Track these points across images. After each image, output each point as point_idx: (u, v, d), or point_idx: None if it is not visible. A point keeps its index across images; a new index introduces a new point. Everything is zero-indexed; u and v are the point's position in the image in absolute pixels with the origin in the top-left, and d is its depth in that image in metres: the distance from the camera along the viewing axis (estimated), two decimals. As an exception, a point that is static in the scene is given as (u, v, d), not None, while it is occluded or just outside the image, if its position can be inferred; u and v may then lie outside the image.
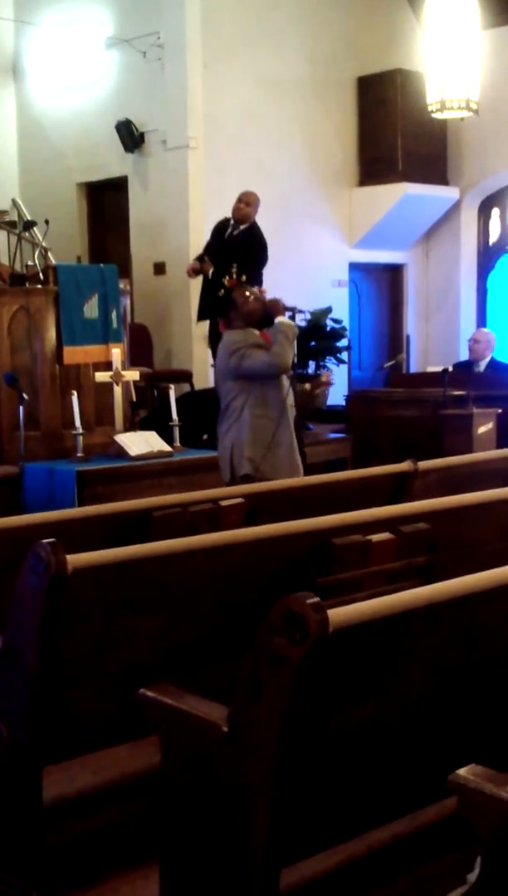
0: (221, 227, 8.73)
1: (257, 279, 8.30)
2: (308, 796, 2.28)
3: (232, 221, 8.63)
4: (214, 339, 8.47)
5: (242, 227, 8.59)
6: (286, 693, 2.10)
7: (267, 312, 5.51)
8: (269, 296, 5.87)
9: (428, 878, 2.46)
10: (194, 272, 8.79)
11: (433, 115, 8.26)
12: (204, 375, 9.43)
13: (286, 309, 5.61)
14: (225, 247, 8.56)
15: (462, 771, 1.82)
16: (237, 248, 8.50)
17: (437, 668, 2.49)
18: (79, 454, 6.68)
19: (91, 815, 2.87)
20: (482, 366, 9.08)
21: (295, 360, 5.59)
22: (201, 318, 8.90)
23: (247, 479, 5.34)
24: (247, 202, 8.59)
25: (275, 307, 5.48)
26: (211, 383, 8.50)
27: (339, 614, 2.12)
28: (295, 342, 5.56)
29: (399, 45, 11.04)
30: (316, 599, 2.09)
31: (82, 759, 2.93)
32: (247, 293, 5.61)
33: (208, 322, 8.81)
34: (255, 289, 6.69)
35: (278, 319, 5.41)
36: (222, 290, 8.15)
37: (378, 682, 2.36)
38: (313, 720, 2.21)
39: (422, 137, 10.93)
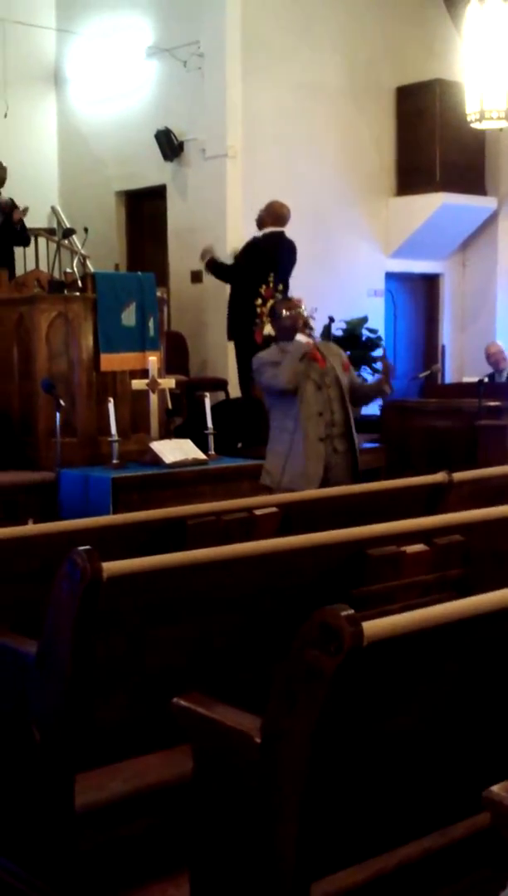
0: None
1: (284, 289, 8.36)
2: (340, 809, 2.27)
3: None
4: (241, 357, 8.53)
5: (257, 235, 8.71)
6: (320, 705, 2.09)
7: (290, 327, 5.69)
8: (306, 304, 5.91)
9: (460, 894, 2.44)
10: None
11: (472, 126, 8.24)
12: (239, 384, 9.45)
13: (307, 326, 5.70)
14: (244, 255, 8.67)
15: (496, 787, 1.81)
16: (249, 256, 8.61)
17: (471, 682, 2.47)
18: (114, 461, 6.71)
19: (121, 823, 2.87)
20: (504, 375, 9.11)
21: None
22: (230, 337, 8.98)
23: (268, 490, 5.45)
24: (264, 208, 8.71)
25: (295, 323, 5.65)
26: (246, 392, 8.56)
27: (374, 627, 2.11)
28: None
29: (439, 54, 11.02)
30: (351, 612, 2.09)
31: (113, 766, 2.93)
32: (287, 310, 5.75)
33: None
34: (294, 298, 6.71)
35: (296, 337, 5.60)
36: (260, 300, 8.18)
37: (412, 695, 2.35)
38: (346, 732, 2.20)
39: (460, 147, 10.90)
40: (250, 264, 8.53)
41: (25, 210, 9.27)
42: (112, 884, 2.78)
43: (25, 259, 9.95)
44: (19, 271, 9.42)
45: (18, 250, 9.78)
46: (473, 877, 2.43)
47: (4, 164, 9.60)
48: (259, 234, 8.74)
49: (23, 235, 9.48)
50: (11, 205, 9.27)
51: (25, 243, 9.75)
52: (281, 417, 5.60)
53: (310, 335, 5.71)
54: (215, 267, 8.94)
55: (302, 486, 5.27)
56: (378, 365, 9.72)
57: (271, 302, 6.56)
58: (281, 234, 8.69)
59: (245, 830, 2.23)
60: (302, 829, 2.15)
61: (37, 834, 2.81)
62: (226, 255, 9.30)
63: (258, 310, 8.12)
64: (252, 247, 8.70)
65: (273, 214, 8.70)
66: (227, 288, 9.20)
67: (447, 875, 2.48)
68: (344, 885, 2.30)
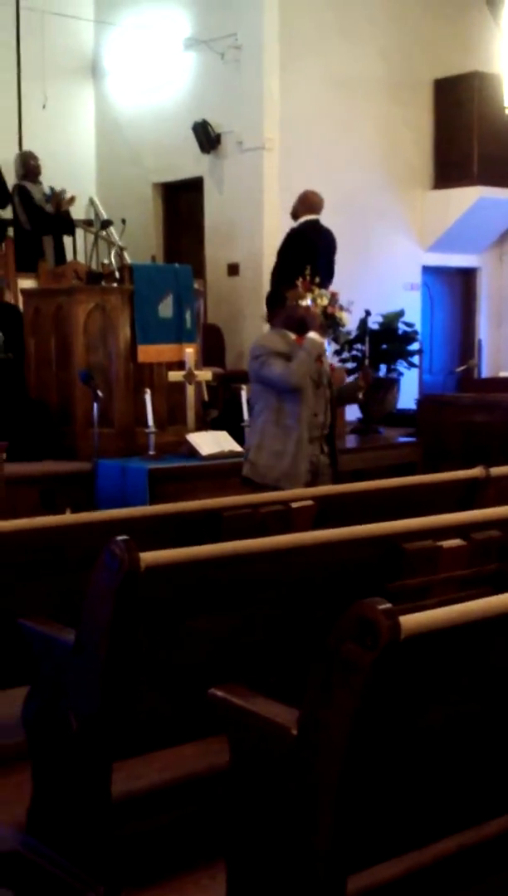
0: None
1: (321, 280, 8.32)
2: (376, 802, 2.27)
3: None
4: None
5: (293, 225, 8.66)
6: (356, 698, 2.09)
7: (305, 323, 5.46)
8: (342, 298, 5.84)
9: (496, 889, 2.44)
10: None
11: (511, 118, 8.18)
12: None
13: (334, 321, 5.57)
14: (283, 247, 8.63)
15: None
16: (286, 245, 8.55)
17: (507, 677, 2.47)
18: (151, 452, 6.74)
19: (156, 813, 2.90)
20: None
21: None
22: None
23: (247, 482, 5.32)
24: (298, 198, 8.66)
25: (312, 320, 5.42)
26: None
27: (411, 621, 2.11)
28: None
29: (477, 47, 10.95)
30: (388, 605, 2.09)
31: (149, 756, 2.95)
32: (298, 300, 5.57)
33: None
34: (325, 291, 6.65)
35: (311, 335, 5.34)
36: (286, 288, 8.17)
37: (449, 690, 2.35)
38: (382, 726, 2.21)
39: (498, 141, 10.82)
40: (287, 251, 8.49)
41: (72, 199, 9.33)
42: (147, 872, 2.80)
43: (64, 250, 10.00)
44: (60, 263, 9.47)
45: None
46: (506, 874, 2.43)
47: (38, 155, 9.64)
48: (295, 224, 8.72)
49: (69, 223, 9.54)
50: (61, 195, 9.33)
51: (71, 231, 9.80)
52: (276, 414, 5.33)
53: (331, 339, 5.56)
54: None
55: (290, 486, 5.13)
56: (414, 359, 9.69)
57: (308, 295, 6.46)
58: (316, 221, 8.65)
59: (281, 822, 2.24)
60: (338, 822, 2.16)
61: (74, 821, 2.84)
62: (262, 247, 9.28)
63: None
64: (292, 237, 8.66)
65: (306, 203, 8.68)
66: (263, 280, 9.20)
67: (483, 870, 2.48)
68: (380, 879, 2.31)
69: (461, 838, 2.50)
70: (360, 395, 5.83)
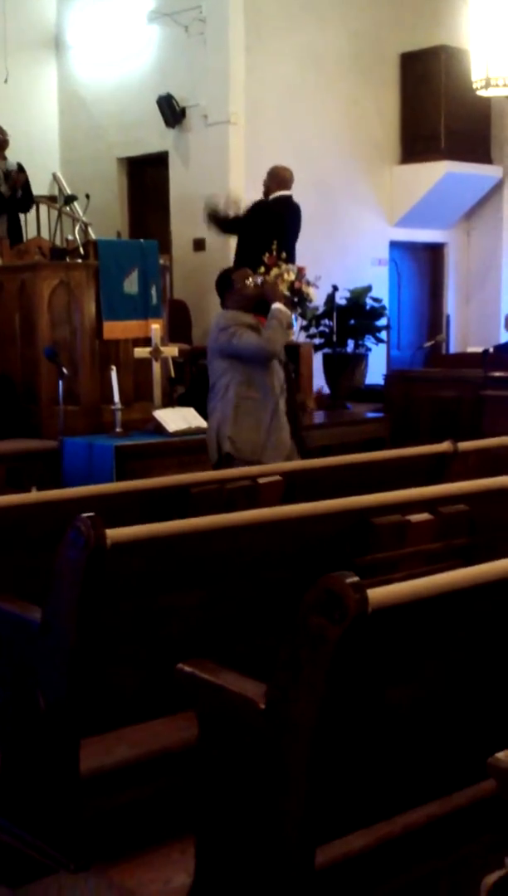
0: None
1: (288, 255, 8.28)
2: (344, 775, 2.28)
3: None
4: None
5: (263, 199, 8.61)
6: (324, 672, 2.09)
7: (264, 298, 5.42)
8: (310, 274, 5.81)
9: (465, 859, 2.45)
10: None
11: (478, 93, 8.16)
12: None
13: (301, 296, 5.54)
14: (249, 219, 8.58)
15: (501, 754, 1.81)
16: (256, 220, 8.50)
17: (476, 650, 2.48)
18: (117, 429, 6.71)
19: (127, 788, 2.89)
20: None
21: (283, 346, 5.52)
22: None
23: (228, 458, 5.30)
24: (267, 174, 8.61)
25: (274, 292, 5.40)
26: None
27: (378, 594, 2.11)
28: (291, 330, 5.52)
29: (444, 21, 10.90)
30: (356, 579, 2.08)
31: (119, 732, 2.94)
32: (246, 279, 5.52)
33: None
34: (292, 266, 6.63)
35: (276, 305, 5.33)
36: (262, 267, 8.12)
37: (417, 663, 2.35)
38: (350, 699, 2.21)
39: (466, 115, 10.80)
40: (257, 225, 8.43)
41: (21, 174, 9.18)
42: (117, 848, 2.79)
43: (27, 226, 9.89)
44: (16, 241, 9.35)
45: (21, 219, 9.72)
46: (478, 843, 2.44)
47: (5, 130, 9.51)
48: (268, 199, 8.65)
49: (24, 201, 9.42)
50: (18, 169, 9.21)
51: (26, 209, 9.69)
52: (246, 387, 5.33)
53: (297, 314, 5.54)
54: (215, 219, 8.84)
55: (277, 459, 5.13)
56: (382, 335, 9.69)
57: (274, 270, 6.42)
58: (289, 197, 8.61)
59: (250, 796, 2.25)
60: (307, 795, 2.16)
61: (43, 799, 2.83)
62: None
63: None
64: (260, 208, 8.60)
65: (277, 178, 8.62)
66: (229, 256, 9.15)
67: (452, 840, 2.49)
68: (349, 850, 2.32)
69: (431, 808, 2.51)
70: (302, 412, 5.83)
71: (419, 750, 2.43)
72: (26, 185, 9.31)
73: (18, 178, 9.12)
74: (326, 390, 9.27)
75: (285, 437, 5.30)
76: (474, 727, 2.52)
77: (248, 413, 5.31)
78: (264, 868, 2.22)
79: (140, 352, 7.13)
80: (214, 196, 8.90)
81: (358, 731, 2.27)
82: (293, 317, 5.61)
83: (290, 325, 5.40)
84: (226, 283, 5.56)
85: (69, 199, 9.35)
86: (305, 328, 8.99)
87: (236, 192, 9.13)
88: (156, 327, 7.21)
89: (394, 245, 11.28)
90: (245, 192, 9.39)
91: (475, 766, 2.43)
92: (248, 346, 5.22)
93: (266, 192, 8.68)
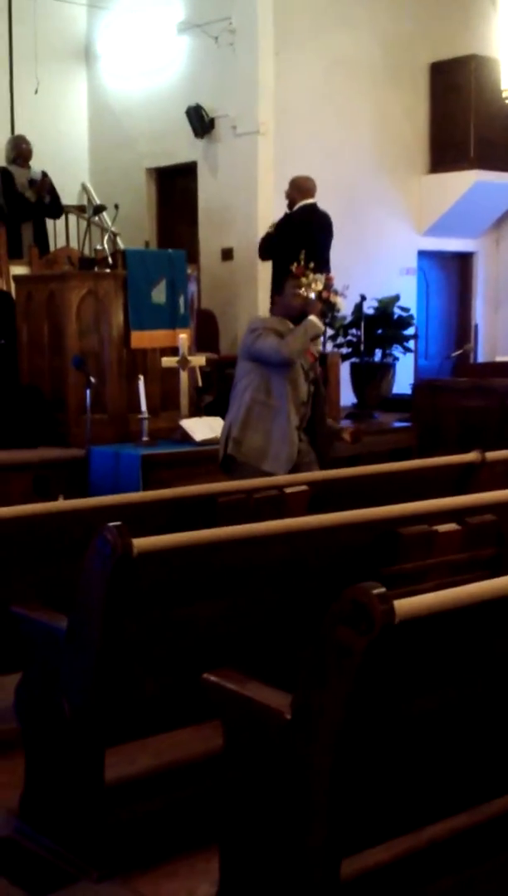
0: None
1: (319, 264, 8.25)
2: (370, 786, 2.26)
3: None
4: None
5: (289, 212, 8.59)
6: (350, 682, 2.09)
7: (306, 310, 5.42)
8: (338, 283, 5.78)
9: (489, 872, 2.43)
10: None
11: (507, 102, 8.14)
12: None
13: (329, 305, 5.52)
14: (279, 233, 8.56)
15: (528, 767, 1.80)
16: (285, 233, 8.48)
17: (502, 662, 2.46)
18: (144, 438, 6.72)
19: (151, 797, 2.89)
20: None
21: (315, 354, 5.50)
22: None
23: (230, 460, 5.27)
24: (289, 185, 8.59)
25: (313, 306, 5.41)
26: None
27: (405, 605, 2.10)
28: (318, 340, 5.50)
29: (474, 30, 10.87)
30: (382, 590, 2.07)
31: (143, 741, 2.94)
32: (297, 288, 5.51)
33: None
34: (321, 276, 6.61)
35: (310, 317, 5.34)
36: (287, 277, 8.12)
37: (443, 674, 2.34)
38: (376, 710, 2.20)
39: (495, 124, 10.75)
40: (286, 238, 8.44)
41: (45, 180, 9.23)
42: (141, 857, 2.79)
43: (56, 236, 9.95)
44: (43, 251, 9.41)
45: (50, 228, 9.78)
46: (502, 856, 2.42)
47: (30, 140, 9.58)
48: (292, 210, 8.65)
49: (53, 207, 9.47)
50: (42, 175, 9.27)
51: (56, 215, 9.74)
52: (264, 392, 5.28)
53: (326, 322, 5.52)
54: (267, 241, 8.82)
55: (277, 469, 5.10)
56: (410, 344, 9.67)
57: (302, 280, 6.41)
58: (314, 206, 8.60)
59: (275, 806, 2.24)
60: (332, 806, 2.15)
61: (67, 807, 2.83)
62: (256, 232, 9.23)
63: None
64: (286, 221, 8.61)
65: (299, 188, 8.60)
66: (257, 265, 9.16)
67: (477, 853, 2.47)
68: (374, 862, 2.30)
69: (455, 822, 2.49)
70: (336, 440, 5.79)
71: (445, 762, 2.41)
72: (53, 191, 9.36)
73: (43, 184, 9.18)
74: (353, 400, 9.24)
75: (291, 451, 5.24)
76: (500, 739, 2.50)
77: (258, 419, 5.29)
78: (289, 879, 2.21)
79: (167, 361, 7.14)
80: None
81: (384, 743, 2.26)
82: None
83: (317, 338, 5.38)
84: (279, 288, 5.59)
85: (98, 209, 9.39)
86: (332, 337, 8.98)
87: (265, 219, 9.12)
88: (183, 337, 7.23)
89: (423, 254, 11.25)
90: (274, 201, 9.39)
91: (500, 779, 2.41)
92: (265, 347, 5.24)
93: (290, 204, 8.66)
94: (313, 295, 5.45)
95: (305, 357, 5.34)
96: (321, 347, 5.97)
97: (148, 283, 7.30)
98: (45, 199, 9.26)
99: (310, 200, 8.57)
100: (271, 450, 5.22)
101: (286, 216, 8.66)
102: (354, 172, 10.29)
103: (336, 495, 3.92)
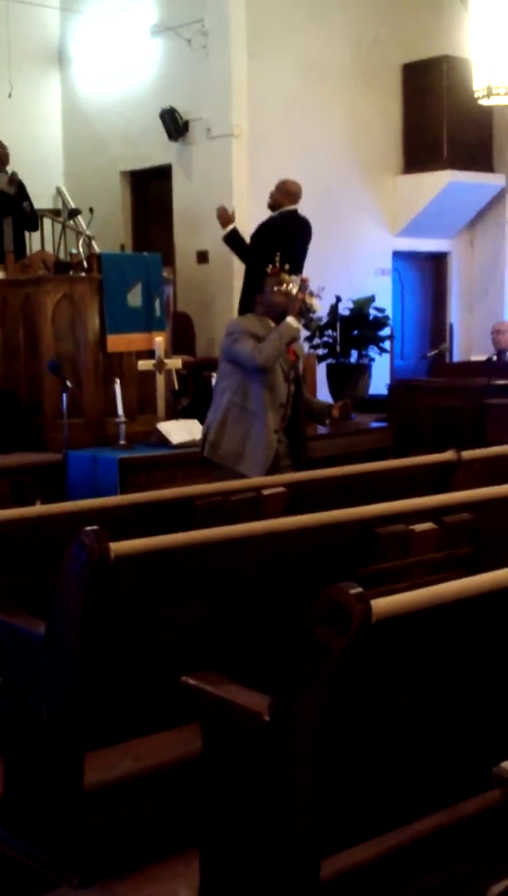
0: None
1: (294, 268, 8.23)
2: (349, 786, 2.27)
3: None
4: None
5: (272, 214, 8.56)
6: (329, 683, 2.09)
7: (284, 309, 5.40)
8: (313, 284, 5.78)
9: (471, 870, 2.44)
10: (224, 216, 8.67)
11: (480, 102, 8.18)
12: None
13: (305, 307, 5.50)
14: (257, 234, 8.53)
15: (506, 764, 1.81)
16: (265, 235, 8.45)
17: (480, 659, 2.47)
18: (121, 442, 6.71)
19: (132, 802, 2.88)
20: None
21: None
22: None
23: (207, 463, 5.28)
24: (276, 188, 8.56)
25: (292, 305, 5.37)
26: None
27: (382, 605, 2.10)
28: (300, 340, 5.51)
29: (446, 31, 10.92)
30: (359, 590, 2.08)
31: (123, 745, 2.93)
32: (278, 286, 5.49)
33: None
34: (296, 277, 6.60)
35: (287, 319, 5.31)
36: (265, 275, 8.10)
37: (421, 673, 2.35)
38: (355, 710, 2.20)
39: (468, 124, 10.82)
40: (266, 244, 8.43)
41: (13, 176, 9.22)
42: (121, 862, 2.79)
43: (31, 240, 9.92)
44: (20, 254, 9.38)
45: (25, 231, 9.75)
46: (484, 853, 2.43)
47: (5, 144, 9.55)
48: (275, 213, 8.63)
49: (32, 219, 9.47)
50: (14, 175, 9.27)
51: (34, 227, 9.74)
52: (241, 396, 5.27)
53: (302, 323, 5.50)
54: (233, 239, 8.76)
55: (253, 473, 5.10)
56: (385, 344, 9.69)
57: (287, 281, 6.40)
58: (295, 212, 8.61)
59: (255, 808, 2.24)
60: (312, 807, 2.15)
61: (46, 813, 2.82)
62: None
63: None
64: (269, 226, 8.57)
65: (288, 193, 8.56)
66: (233, 268, 9.16)
67: (458, 850, 2.48)
68: (355, 862, 2.31)
69: (436, 819, 2.50)
70: (326, 421, 5.78)
71: (425, 760, 2.42)
72: (31, 204, 9.33)
73: (13, 179, 9.18)
74: (330, 400, 9.26)
75: (268, 454, 5.23)
76: (479, 737, 2.51)
77: (235, 422, 5.28)
78: (269, 881, 2.21)
79: (144, 364, 7.14)
80: (233, 211, 8.76)
81: (363, 742, 2.26)
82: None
83: (294, 341, 5.37)
84: (258, 286, 5.55)
85: (73, 213, 9.39)
86: (308, 339, 8.99)
87: (241, 221, 9.05)
88: (159, 340, 7.23)
89: (397, 255, 11.29)
90: (248, 203, 9.41)
91: (480, 776, 2.42)
92: (240, 353, 5.23)
93: (273, 205, 8.62)
94: (292, 288, 5.43)
95: (285, 357, 5.33)
96: (303, 347, 5.95)
97: (124, 287, 7.30)
98: (23, 203, 9.25)
99: (292, 207, 8.57)
100: (248, 453, 5.22)
101: (270, 218, 8.63)
102: (328, 173, 10.31)
103: (314, 496, 3.93)
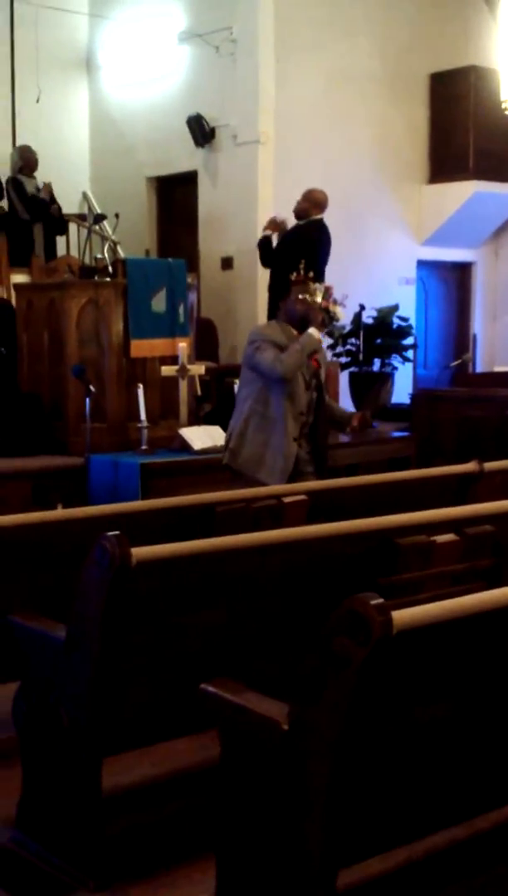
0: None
1: (318, 276, 8.22)
2: (367, 797, 2.26)
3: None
4: None
5: (299, 222, 8.56)
6: (348, 694, 2.08)
7: (307, 319, 5.40)
8: (337, 293, 5.77)
9: (488, 884, 2.43)
10: (274, 226, 8.68)
11: (507, 113, 8.15)
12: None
13: (328, 315, 5.49)
14: (284, 242, 8.53)
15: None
16: (291, 243, 8.45)
17: (501, 672, 2.46)
18: (143, 447, 6.72)
19: (149, 807, 2.89)
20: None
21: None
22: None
23: (229, 470, 5.26)
24: (304, 198, 8.55)
25: (314, 316, 5.37)
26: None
27: (403, 616, 2.10)
28: (323, 349, 5.52)
29: (474, 41, 10.91)
30: (380, 600, 2.08)
31: (141, 751, 2.94)
32: (303, 294, 5.48)
33: None
34: (320, 285, 6.60)
35: (310, 331, 5.32)
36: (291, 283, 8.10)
37: (441, 685, 2.34)
38: (373, 721, 2.20)
39: (494, 135, 10.78)
40: (294, 252, 8.42)
41: (47, 186, 9.35)
42: (138, 867, 2.79)
43: (56, 245, 9.97)
44: (50, 257, 9.46)
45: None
46: (501, 867, 2.42)
47: (34, 149, 9.64)
48: (302, 222, 8.61)
49: (60, 223, 9.55)
50: (46, 185, 9.39)
51: (62, 231, 9.81)
52: (262, 404, 5.26)
53: (325, 333, 5.49)
54: (265, 245, 8.76)
55: (272, 480, 5.09)
56: (408, 354, 9.67)
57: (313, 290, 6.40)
58: (321, 220, 8.60)
59: (272, 817, 2.23)
60: (329, 817, 2.15)
61: (64, 816, 2.83)
62: (256, 241, 9.23)
63: None
64: (297, 234, 8.56)
65: (316, 202, 8.55)
66: (257, 275, 9.17)
67: (475, 864, 2.47)
68: (371, 873, 2.30)
69: (453, 833, 2.49)
70: (347, 430, 5.79)
71: (443, 773, 2.41)
72: (59, 209, 9.42)
73: (46, 187, 9.30)
74: (352, 409, 9.24)
75: (287, 462, 5.23)
76: (498, 750, 2.50)
77: (256, 429, 5.28)
78: (285, 890, 2.21)
79: (167, 370, 7.15)
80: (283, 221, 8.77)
81: (381, 754, 2.26)
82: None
83: (317, 352, 5.38)
84: (283, 293, 5.57)
85: (99, 218, 9.43)
86: (331, 347, 8.98)
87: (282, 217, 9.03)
88: (183, 345, 7.24)
89: (421, 264, 11.27)
90: (273, 210, 9.41)
91: (499, 790, 2.41)
92: (262, 362, 5.23)
93: (299, 214, 8.62)
94: (316, 297, 5.43)
95: (308, 365, 5.34)
96: (326, 355, 5.95)
97: (148, 292, 7.32)
98: (52, 207, 9.35)
99: (320, 216, 8.57)
100: (268, 461, 5.22)
101: (297, 226, 8.63)
102: (353, 182, 10.31)
103: (335, 505, 3.93)
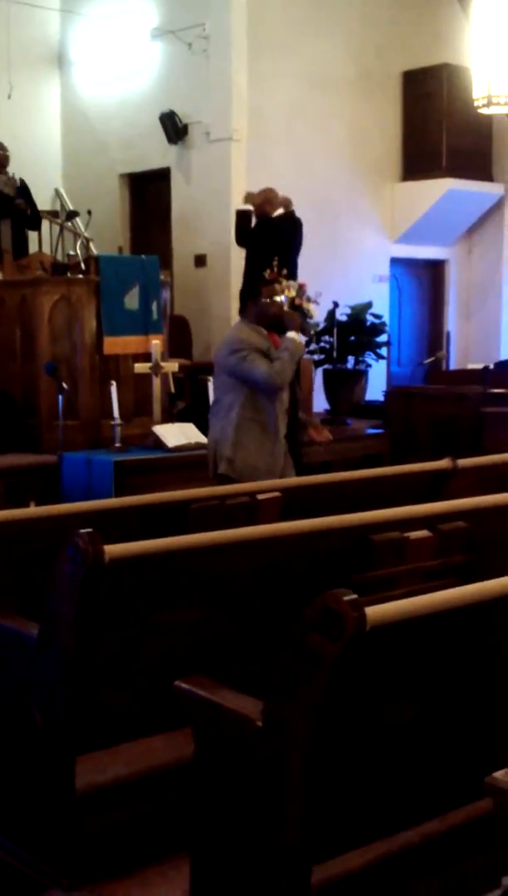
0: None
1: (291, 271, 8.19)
2: (341, 793, 2.27)
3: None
4: None
5: (271, 217, 8.51)
6: (321, 690, 2.09)
7: (281, 320, 5.39)
8: (310, 290, 5.78)
9: (461, 878, 2.44)
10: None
11: (479, 111, 8.18)
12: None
13: (302, 312, 5.51)
14: (256, 235, 8.48)
15: (499, 774, 1.80)
16: (263, 238, 8.40)
17: (473, 668, 2.47)
18: (117, 444, 6.71)
19: (123, 805, 2.87)
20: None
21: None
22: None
23: (223, 479, 5.21)
24: (251, 201, 8.46)
25: (292, 320, 5.37)
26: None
27: (376, 612, 2.10)
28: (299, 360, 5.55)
29: (446, 39, 10.96)
30: (354, 596, 2.08)
31: (115, 749, 2.93)
32: (273, 296, 5.47)
33: None
34: (293, 283, 6.60)
35: (291, 334, 5.30)
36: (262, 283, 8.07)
37: (415, 681, 2.35)
38: (347, 717, 2.20)
39: (467, 133, 10.84)
40: (263, 242, 8.38)
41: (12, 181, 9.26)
42: (112, 865, 2.78)
43: (28, 242, 9.92)
44: (22, 254, 9.38)
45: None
46: (475, 862, 2.43)
47: (6, 145, 9.56)
48: (275, 216, 8.57)
49: (33, 218, 9.47)
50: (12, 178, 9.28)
51: (36, 226, 9.73)
52: (253, 410, 5.27)
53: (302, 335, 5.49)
54: (244, 219, 8.65)
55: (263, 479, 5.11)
56: (382, 351, 9.69)
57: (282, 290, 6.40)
58: (292, 213, 8.56)
59: (246, 813, 2.23)
60: (303, 813, 2.15)
61: (38, 816, 2.82)
62: (229, 239, 9.20)
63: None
64: (267, 225, 8.53)
65: (267, 200, 8.48)
66: (230, 272, 9.15)
67: (449, 859, 2.48)
68: (345, 869, 2.30)
69: (428, 827, 2.49)
70: (305, 437, 5.81)
71: (417, 768, 2.42)
72: (30, 198, 9.34)
73: (10, 182, 9.20)
74: (326, 406, 9.26)
75: (279, 461, 5.29)
76: (471, 745, 2.51)
77: (249, 436, 5.26)
78: (260, 886, 2.21)
79: (140, 367, 7.14)
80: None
81: (356, 749, 2.26)
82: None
83: (300, 357, 5.39)
84: (252, 293, 5.54)
85: (71, 215, 9.39)
86: (306, 344, 8.97)
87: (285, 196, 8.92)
88: (156, 343, 7.22)
89: (395, 262, 11.30)
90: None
91: (472, 785, 2.41)
92: (255, 374, 5.18)
93: (262, 215, 8.55)
94: (283, 298, 5.44)
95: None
96: (304, 356, 5.97)
97: (121, 289, 7.30)
98: (23, 205, 9.26)
99: (282, 210, 8.54)
100: (264, 464, 5.24)
101: (268, 221, 8.59)
102: (327, 179, 10.32)
103: (309, 502, 3.93)
